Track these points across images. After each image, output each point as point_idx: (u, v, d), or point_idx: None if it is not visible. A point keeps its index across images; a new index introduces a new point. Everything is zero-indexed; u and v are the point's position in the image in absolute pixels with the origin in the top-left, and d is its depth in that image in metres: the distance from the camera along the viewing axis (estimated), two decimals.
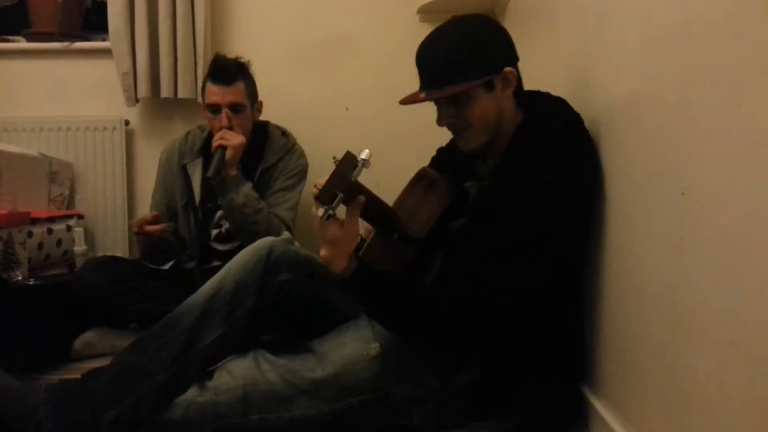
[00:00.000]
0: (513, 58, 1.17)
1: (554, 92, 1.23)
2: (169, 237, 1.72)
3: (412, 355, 1.15)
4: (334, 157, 0.95)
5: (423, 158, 1.42)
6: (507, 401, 1.18)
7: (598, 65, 1.19)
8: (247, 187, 1.69)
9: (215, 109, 1.73)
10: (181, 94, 2.19)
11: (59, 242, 1.97)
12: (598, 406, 1.12)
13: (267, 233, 1.29)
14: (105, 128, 2.28)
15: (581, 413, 1.18)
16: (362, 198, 1.01)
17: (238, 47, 2.22)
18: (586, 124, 1.16)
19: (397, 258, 1.15)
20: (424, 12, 2.22)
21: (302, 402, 1.11)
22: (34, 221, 1.84)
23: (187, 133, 1.93)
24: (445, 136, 1.27)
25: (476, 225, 1.13)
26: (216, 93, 1.72)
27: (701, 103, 0.78)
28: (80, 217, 2.17)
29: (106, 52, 2.22)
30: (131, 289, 1.66)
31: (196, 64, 2.20)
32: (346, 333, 1.20)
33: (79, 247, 2.02)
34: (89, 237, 2.21)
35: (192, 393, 1.11)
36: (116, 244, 2.31)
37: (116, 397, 1.07)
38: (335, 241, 1.01)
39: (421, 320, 1.07)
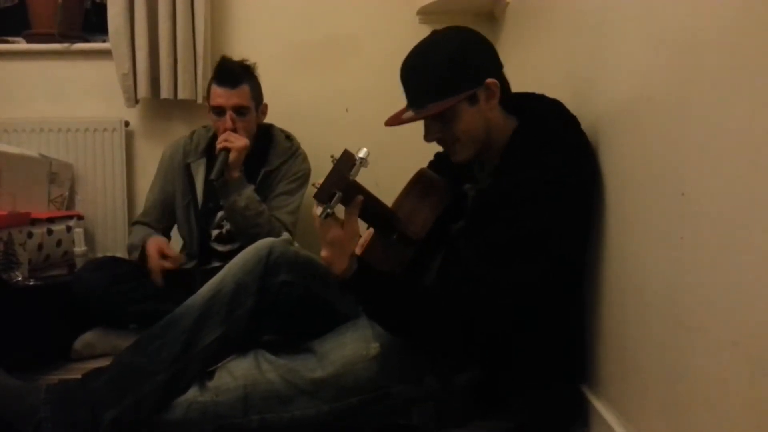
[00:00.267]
0: (495, 68, 1.17)
1: (554, 93, 1.23)
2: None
3: (412, 355, 1.15)
4: (332, 156, 0.96)
5: (422, 159, 1.42)
6: (507, 401, 1.18)
7: (598, 66, 1.19)
8: (249, 190, 1.70)
9: (220, 111, 1.74)
10: (180, 95, 2.19)
11: (59, 243, 1.97)
12: (598, 406, 1.12)
13: (268, 236, 1.30)
14: (105, 129, 2.29)
15: (581, 413, 1.18)
16: (360, 198, 1.01)
17: (238, 48, 2.22)
18: (587, 124, 1.16)
19: (396, 258, 1.16)
20: (424, 13, 2.22)
21: (302, 402, 1.11)
22: (34, 222, 1.84)
23: (193, 133, 1.93)
24: None
25: (476, 226, 1.13)
26: (221, 95, 1.73)
27: (701, 104, 0.78)
28: (80, 217, 2.17)
29: (105, 53, 2.22)
30: (131, 290, 1.66)
31: (195, 64, 2.20)
32: (346, 333, 1.20)
33: (79, 248, 2.02)
34: (89, 238, 2.21)
35: (192, 393, 1.11)
36: (116, 244, 2.30)
37: (116, 398, 1.07)
38: (336, 241, 1.01)
39: (421, 320, 1.07)
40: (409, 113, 1.15)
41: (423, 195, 1.22)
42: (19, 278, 1.63)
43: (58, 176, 2.16)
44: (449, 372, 1.16)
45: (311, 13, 2.29)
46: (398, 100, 1.20)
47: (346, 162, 0.96)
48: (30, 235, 1.79)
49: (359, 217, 1.03)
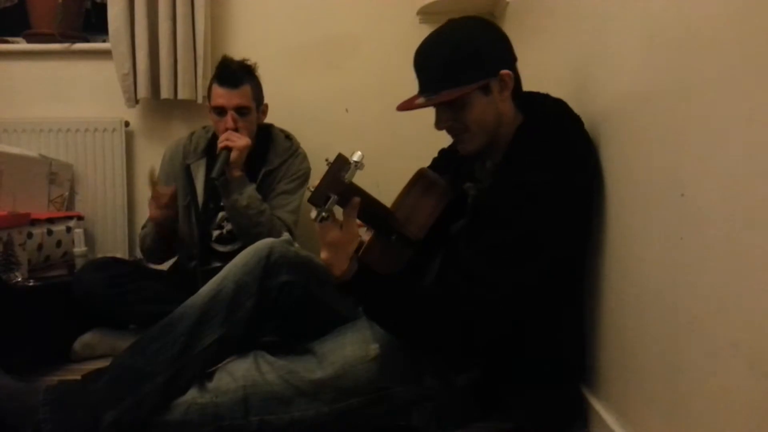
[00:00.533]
0: (510, 60, 1.17)
1: (555, 92, 1.23)
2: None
3: (412, 356, 1.15)
4: (326, 160, 0.96)
5: (423, 159, 1.42)
6: (507, 401, 1.18)
7: (598, 65, 1.19)
8: (251, 189, 1.70)
9: (221, 111, 1.74)
10: (181, 95, 2.19)
11: (59, 243, 1.97)
12: (598, 406, 1.12)
13: (269, 236, 1.30)
14: (105, 129, 2.28)
15: (581, 413, 1.18)
16: (357, 200, 1.01)
17: (238, 48, 2.22)
18: (587, 124, 1.16)
19: (395, 259, 1.15)
20: (424, 13, 2.22)
21: (302, 403, 1.11)
22: (34, 222, 1.84)
23: (192, 134, 1.93)
24: (445, 138, 1.27)
25: (476, 226, 1.13)
26: (222, 95, 1.73)
27: (701, 104, 0.78)
28: (80, 218, 2.17)
29: (105, 53, 2.22)
30: (131, 291, 1.66)
31: (196, 64, 2.20)
32: (345, 334, 1.20)
33: (79, 249, 2.02)
34: (89, 238, 2.21)
35: (192, 394, 1.11)
36: (116, 245, 2.30)
37: (116, 399, 1.07)
38: (335, 243, 1.01)
39: (421, 321, 1.07)
40: (422, 99, 1.15)
41: (423, 195, 1.22)
42: (19, 279, 1.63)
43: (58, 176, 2.16)
44: (449, 372, 1.16)
45: (311, 13, 2.29)
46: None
47: (340, 165, 0.96)
48: (30, 235, 1.79)
49: (357, 218, 1.03)
